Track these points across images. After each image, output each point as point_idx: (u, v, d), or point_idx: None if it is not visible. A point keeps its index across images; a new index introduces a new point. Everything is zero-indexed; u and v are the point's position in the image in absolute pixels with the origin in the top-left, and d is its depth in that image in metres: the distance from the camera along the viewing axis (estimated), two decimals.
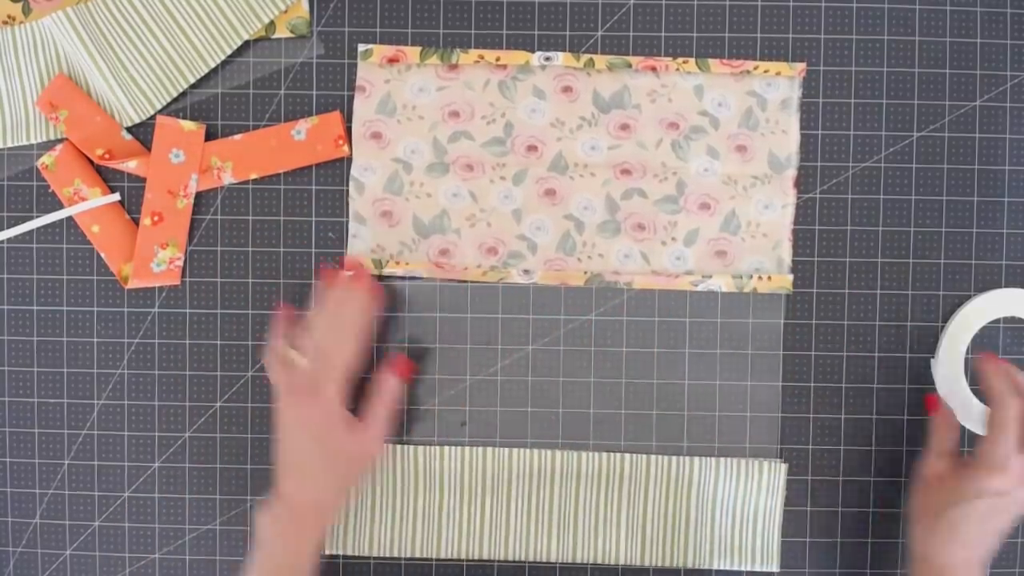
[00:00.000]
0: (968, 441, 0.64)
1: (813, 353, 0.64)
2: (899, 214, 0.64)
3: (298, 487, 0.57)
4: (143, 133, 0.63)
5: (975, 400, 0.63)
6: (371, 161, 0.63)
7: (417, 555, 0.64)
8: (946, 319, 0.64)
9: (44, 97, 0.62)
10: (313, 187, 0.64)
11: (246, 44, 0.63)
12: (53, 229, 0.64)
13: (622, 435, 0.64)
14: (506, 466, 0.64)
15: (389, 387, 0.60)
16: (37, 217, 0.63)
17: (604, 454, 0.64)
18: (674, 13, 0.63)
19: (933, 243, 0.64)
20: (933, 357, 0.63)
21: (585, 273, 0.63)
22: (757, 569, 0.64)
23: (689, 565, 0.64)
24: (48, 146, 0.63)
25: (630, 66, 0.63)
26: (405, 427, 0.64)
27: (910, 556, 0.58)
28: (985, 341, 0.64)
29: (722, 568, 0.64)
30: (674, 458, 0.64)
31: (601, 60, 0.63)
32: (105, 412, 0.64)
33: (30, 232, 0.64)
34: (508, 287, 0.64)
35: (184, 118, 0.63)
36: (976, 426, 0.63)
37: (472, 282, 0.63)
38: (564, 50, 0.63)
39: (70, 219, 0.63)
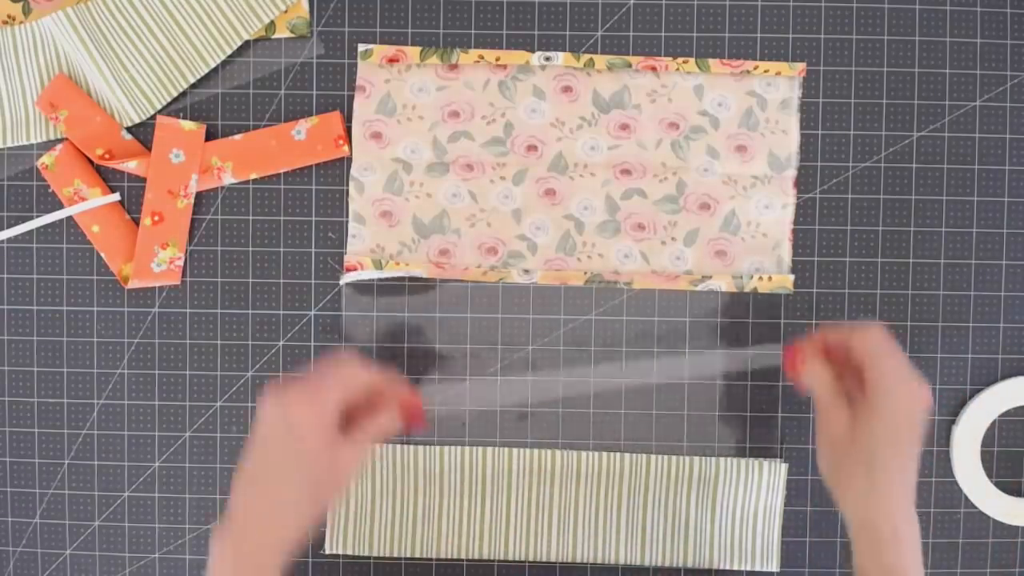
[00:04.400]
0: None
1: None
2: (899, 214, 0.64)
3: (261, 494, 0.50)
4: (143, 133, 0.63)
5: (994, 489, 0.63)
6: (371, 161, 0.63)
7: (417, 555, 0.64)
8: (946, 319, 0.64)
9: (44, 97, 0.62)
10: (313, 187, 0.64)
11: (246, 44, 0.63)
12: (53, 229, 0.64)
13: (622, 435, 0.64)
14: (506, 466, 0.64)
15: (388, 421, 0.54)
16: (37, 217, 0.63)
17: (604, 454, 0.64)
18: (674, 13, 0.63)
19: (933, 243, 0.64)
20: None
21: (585, 273, 0.63)
22: (757, 569, 0.64)
23: (689, 565, 0.64)
24: (48, 146, 0.63)
25: (630, 66, 0.63)
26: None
27: (849, 529, 0.53)
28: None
29: (722, 568, 0.64)
30: (674, 458, 0.64)
31: (601, 60, 0.63)
32: (105, 412, 0.64)
33: (30, 232, 0.64)
34: (508, 287, 0.64)
35: (184, 118, 0.63)
36: (996, 512, 0.63)
37: (472, 282, 0.63)
38: (564, 50, 0.63)
39: (70, 219, 0.63)
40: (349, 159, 0.63)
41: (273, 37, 0.63)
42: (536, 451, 0.64)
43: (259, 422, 0.51)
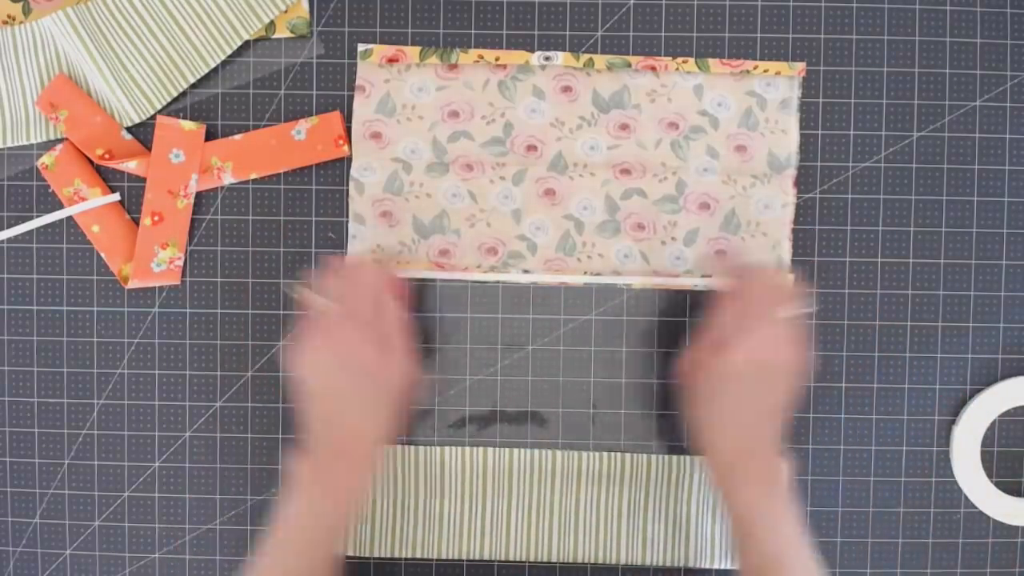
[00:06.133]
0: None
1: (813, 353, 0.64)
2: (899, 214, 0.64)
3: (331, 421, 0.55)
4: (143, 133, 0.63)
5: (995, 489, 0.63)
6: (371, 161, 0.63)
7: (418, 555, 0.64)
8: (946, 319, 0.64)
9: (44, 97, 0.62)
10: (313, 187, 0.64)
11: (246, 44, 0.63)
12: (53, 229, 0.64)
13: (622, 435, 0.64)
14: (506, 466, 0.64)
15: (393, 310, 0.58)
16: (37, 217, 0.63)
17: (604, 454, 0.64)
18: (674, 13, 0.63)
19: (933, 243, 0.64)
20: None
21: (585, 273, 0.63)
22: None
23: (690, 564, 0.64)
24: (48, 146, 0.63)
25: (630, 66, 0.63)
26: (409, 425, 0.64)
27: (706, 455, 0.57)
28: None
29: (723, 568, 0.64)
30: (674, 457, 0.64)
31: (601, 60, 0.63)
32: (105, 412, 0.64)
33: (30, 232, 0.64)
34: (508, 287, 0.64)
35: (184, 118, 0.63)
36: (996, 512, 0.64)
37: (472, 282, 0.63)
38: (564, 50, 0.63)
39: (70, 219, 0.63)
40: (349, 159, 0.63)
41: (273, 37, 0.63)
42: (536, 451, 0.64)
43: (307, 359, 0.55)
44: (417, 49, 0.63)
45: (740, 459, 0.54)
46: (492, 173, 0.63)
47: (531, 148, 0.63)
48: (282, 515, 0.54)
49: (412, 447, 0.64)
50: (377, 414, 0.56)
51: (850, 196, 0.64)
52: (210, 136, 0.63)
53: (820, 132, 0.63)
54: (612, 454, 0.64)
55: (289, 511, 0.54)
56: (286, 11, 0.62)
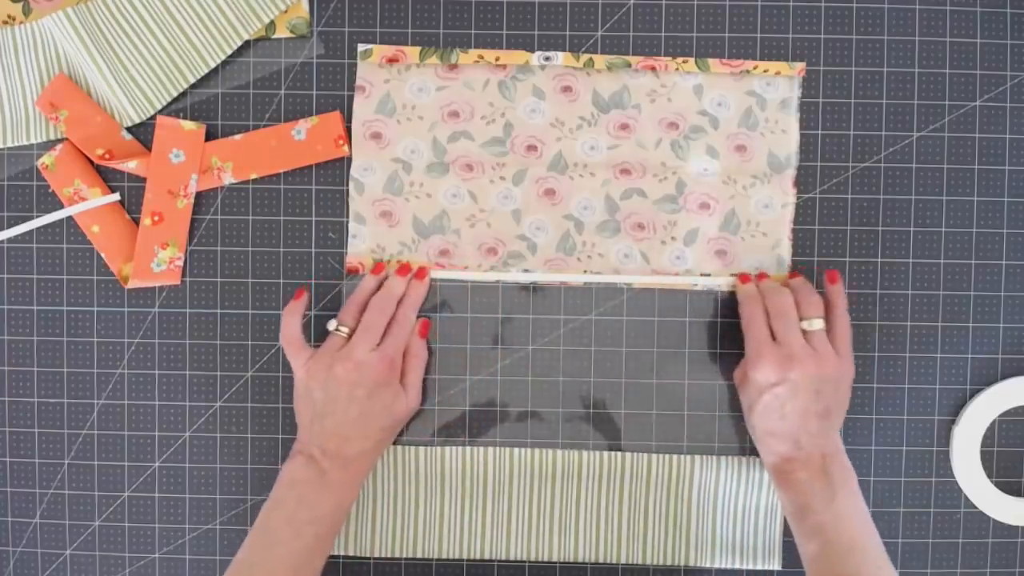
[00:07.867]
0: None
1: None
2: (899, 214, 0.64)
3: (335, 432, 0.58)
4: (143, 133, 0.63)
5: (995, 489, 0.63)
6: (371, 161, 0.63)
7: (418, 555, 0.64)
8: (946, 319, 0.64)
9: (44, 97, 0.62)
10: (313, 187, 0.64)
11: (246, 44, 0.63)
12: (53, 229, 0.64)
13: (622, 435, 0.64)
14: (507, 466, 0.64)
15: (416, 347, 0.62)
16: (37, 217, 0.63)
17: (604, 454, 0.64)
18: (674, 13, 0.63)
19: (933, 243, 0.64)
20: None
21: (585, 273, 0.63)
22: (758, 567, 0.64)
23: (691, 564, 0.64)
24: (48, 146, 0.63)
25: (630, 66, 0.63)
26: (406, 427, 0.64)
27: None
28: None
29: (723, 567, 0.64)
30: (674, 457, 0.64)
31: (601, 60, 0.63)
32: (105, 412, 0.64)
33: (30, 232, 0.64)
34: (508, 287, 0.64)
35: (184, 118, 0.63)
36: (996, 512, 0.64)
37: (472, 282, 0.63)
38: (564, 50, 0.63)
39: (70, 219, 0.63)
40: (349, 159, 0.63)
41: (273, 37, 0.63)
42: (536, 451, 0.64)
43: (320, 367, 0.58)
44: (417, 49, 0.63)
45: (785, 464, 0.58)
46: (492, 173, 0.63)
47: (531, 148, 0.63)
48: (270, 508, 0.57)
49: (412, 447, 0.63)
50: (380, 432, 0.59)
51: (850, 196, 0.63)
52: (210, 136, 0.63)
53: (820, 132, 0.63)
54: (612, 454, 0.64)
55: (279, 505, 0.57)
56: (286, 11, 0.63)
